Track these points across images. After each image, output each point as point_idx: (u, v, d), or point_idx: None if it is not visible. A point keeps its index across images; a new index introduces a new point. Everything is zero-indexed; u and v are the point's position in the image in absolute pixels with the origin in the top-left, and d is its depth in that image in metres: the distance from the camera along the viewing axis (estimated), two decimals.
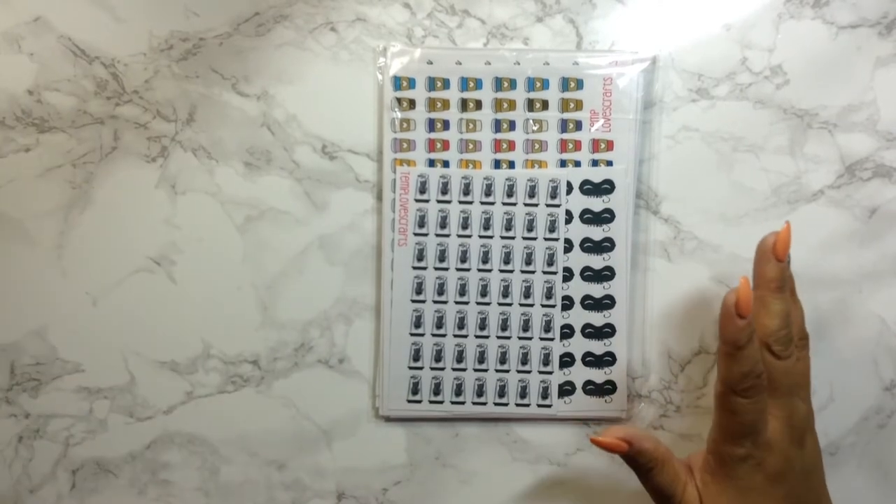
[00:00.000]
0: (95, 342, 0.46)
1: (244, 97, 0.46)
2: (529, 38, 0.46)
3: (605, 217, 0.45)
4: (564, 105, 0.45)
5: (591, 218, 0.45)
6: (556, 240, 0.45)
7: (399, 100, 0.45)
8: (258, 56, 0.46)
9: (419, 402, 0.46)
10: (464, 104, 0.45)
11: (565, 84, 0.45)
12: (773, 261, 0.38)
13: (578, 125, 0.45)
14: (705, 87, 0.46)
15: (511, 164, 0.45)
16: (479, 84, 0.45)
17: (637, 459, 0.40)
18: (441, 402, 0.46)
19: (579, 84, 0.45)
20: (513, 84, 0.45)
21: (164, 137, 0.46)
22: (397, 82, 0.45)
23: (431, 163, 0.45)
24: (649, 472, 0.40)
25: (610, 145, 0.45)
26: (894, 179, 0.46)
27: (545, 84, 0.45)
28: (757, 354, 0.37)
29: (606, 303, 0.46)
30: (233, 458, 0.47)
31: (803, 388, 0.39)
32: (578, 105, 0.45)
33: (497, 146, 0.45)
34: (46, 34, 0.45)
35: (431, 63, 0.45)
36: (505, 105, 0.45)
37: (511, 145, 0.45)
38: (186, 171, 0.46)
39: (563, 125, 0.45)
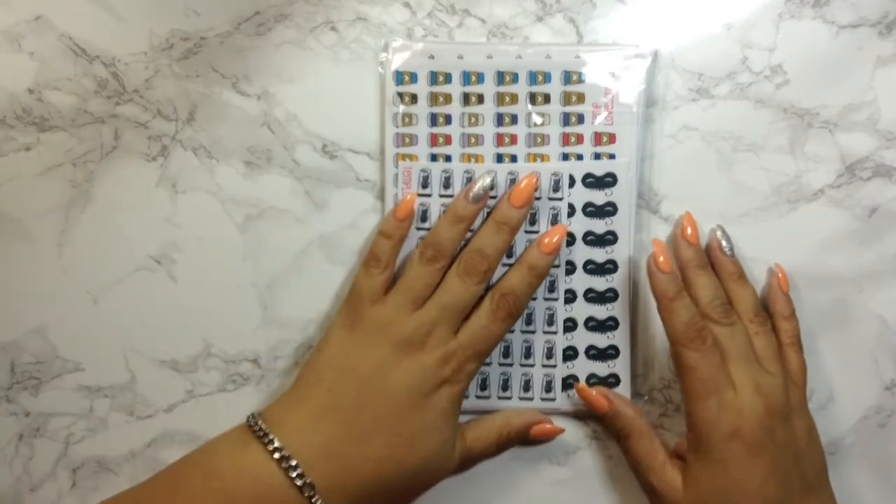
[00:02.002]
0: (96, 341, 0.46)
1: (245, 96, 0.46)
2: (529, 37, 0.46)
3: (608, 210, 0.45)
4: (566, 98, 0.45)
5: (593, 211, 0.45)
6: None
7: (401, 94, 0.45)
8: (259, 55, 0.46)
9: None
10: (466, 98, 0.45)
11: (567, 77, 0.45)
12: (684, 244, 0.43)
13: (580, 118, 0.45)
14: (705, 86, 0.46)
15: (513, 158, 0.45)
16: (480, 78, 0.45)
17: (615, 422, 0.43)
18: None
19: (581, 77, 0.45)
20: (514, 78, 0.45)
21: (164, 136, 0.46)
22: (399, 77, 0.45)
23: (434, 157, 0.45)
24: (627, 440, 0.42)
25: (612, 138, 0.45)
26: (894, 179, 0.46)
27: (547, 78, 0.45)
28: (691, 306, 0.40)
29: (609, 296, 0.46)
30: None
31: (768, 359, 0.41)
32: (580, 98, 0.45)
33: (499, 140, 0.45)
34: (47, 33, 0.45)
35: (433, 58, 0.45)
36: (507, 99, 0.45)
37: (513, 139, 0.45)
38: (187, 170, 0.46)
39: (566, 118, 0.45)
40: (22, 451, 0.47)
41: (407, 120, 0.45)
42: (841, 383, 0.47)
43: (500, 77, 0.45)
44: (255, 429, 0.38)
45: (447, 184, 0.45)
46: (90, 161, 0.46)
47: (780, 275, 0.45)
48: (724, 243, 0.44)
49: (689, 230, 0.43)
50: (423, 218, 0.45)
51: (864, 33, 0.46)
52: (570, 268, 0.45)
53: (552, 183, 0.45)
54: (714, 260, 0.44)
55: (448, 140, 0.45)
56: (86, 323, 0.46)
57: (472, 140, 0.45)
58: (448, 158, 0.45)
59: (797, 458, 0.39)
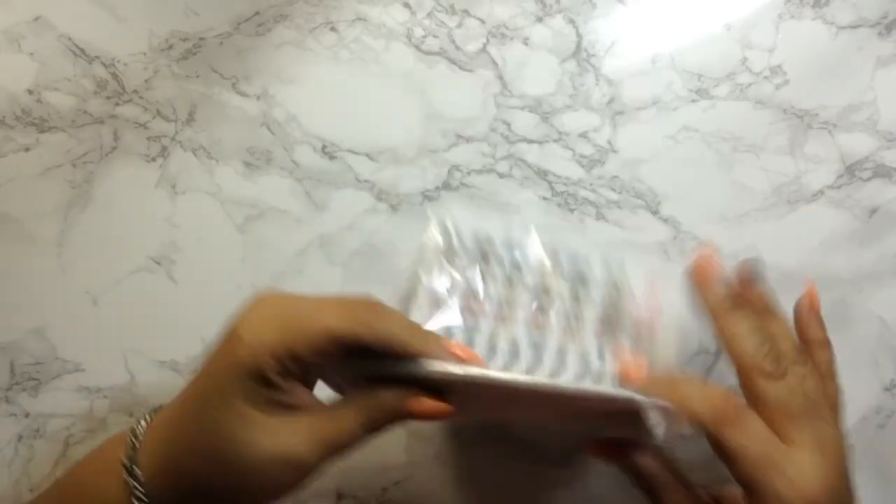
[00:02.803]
0: (95, 341, 0.46)
1: (244, 97, 0.46)
2: (529, 37, 0.46)
3: None
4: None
5: None
6: None
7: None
8: (258, 56, 0.46)
9: None
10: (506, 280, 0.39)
11: None
12: (710, 287, 0.36)
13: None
14: (705, 87, 0.46)
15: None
16: None
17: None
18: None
19: None
20: None
21: (164, 137, 0.46)
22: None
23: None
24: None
25: None
26: (894, 179, 0.46)
27: None
28: (757, 320, 0.35)
29: None
30: None
31: (823, 407, 0.35)
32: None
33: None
34: (46, 33, 0.45)
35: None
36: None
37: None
38: (186, 171, 0.46)
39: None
40: (21, 451, 0.47)
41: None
42: (841, 383, 0.47)
43: None
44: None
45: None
46: (90, 162, 0.46)
47: (810, 294, 0.38)
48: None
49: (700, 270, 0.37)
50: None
51: (864, 34, 0.46)
52: None
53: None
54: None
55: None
56: (85, 323, 0.46)
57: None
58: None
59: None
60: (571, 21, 0.46)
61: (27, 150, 0.46)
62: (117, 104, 0.46)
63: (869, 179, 0.46)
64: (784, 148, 0.46)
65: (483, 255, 0.38)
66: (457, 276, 0.37)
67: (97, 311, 0.46)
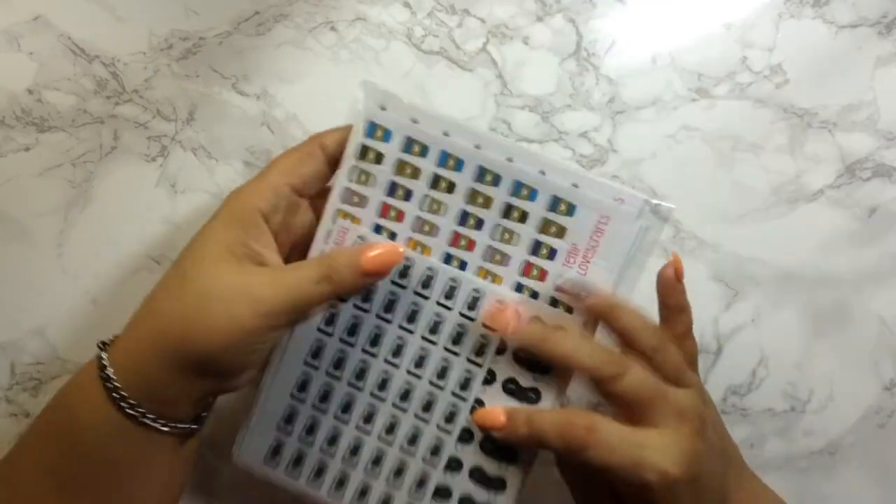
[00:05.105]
0: (95, 341, 0.46)
1: (244, 96, 0.46)
2: (529, 37, 0.46)
3: (542, 366, 0.39)
4: (545, 226, 0.38)
5: (524, 358, 0.38)
6: (480, 366, 0.39)
7: (366, 148, 0.38)
8: (258, 55, 0.46)
9: (276, 466, 0.41)
10: (435, 181, 0.38)
11: (555, 204, 0.37)
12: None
13: (552, 254, 0.38)
14: (705, 86, 0.46)
15: (462, 265, 0.38)
16: (459, 165, 0.38)
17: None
18: (297, 478, 0.40)
19: (570, 210, 0.37)
20: (496, 181, 0.38)
21: (163, 137, 0.46)
22: (371, 129, 0.38)
23: (378, 229, 0.38)
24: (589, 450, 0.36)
25: None
26: (894, 179, 0.46)
27: (532, 195, 0.38)
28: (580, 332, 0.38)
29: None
30: None
31: (682, 371, 0.38)
32: (560, 232, 0.38)
33: (455, 240, 0.38)
34: (46, 33, 0.45)
35: (416, 122, 0.38)
36: (480, 200, 0.38)
37: (470, 245, 0.38)
38: (186, 171, 0.46)
39: (535, 247, 0.38)
40: None
41: (363, 178, 0.38)
42: (841, 383, 0.47)
43: (482, 173, 0.38)
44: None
45: None
46: (89, 161, 0.46)
47: (675, 263, 0.40)
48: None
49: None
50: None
51: (864, 33, 0.46)
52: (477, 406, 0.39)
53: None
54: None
55: (400, 217, 0.38)
56: (85, 323, 0.46)
57: (427, 228, 0.38)
58: (393, 236, 0.38)
59: None
60: (571, 20, 0.46)
61: (27, 149, 0.46)
62: (117, 104, 0.46)
63: (869, 179, 0.46)
64: (784, 147, 0.46)
65: (411, 154, 0.38)
66: (375, 179, 0.39)
67: (97, 310, 0.46)
